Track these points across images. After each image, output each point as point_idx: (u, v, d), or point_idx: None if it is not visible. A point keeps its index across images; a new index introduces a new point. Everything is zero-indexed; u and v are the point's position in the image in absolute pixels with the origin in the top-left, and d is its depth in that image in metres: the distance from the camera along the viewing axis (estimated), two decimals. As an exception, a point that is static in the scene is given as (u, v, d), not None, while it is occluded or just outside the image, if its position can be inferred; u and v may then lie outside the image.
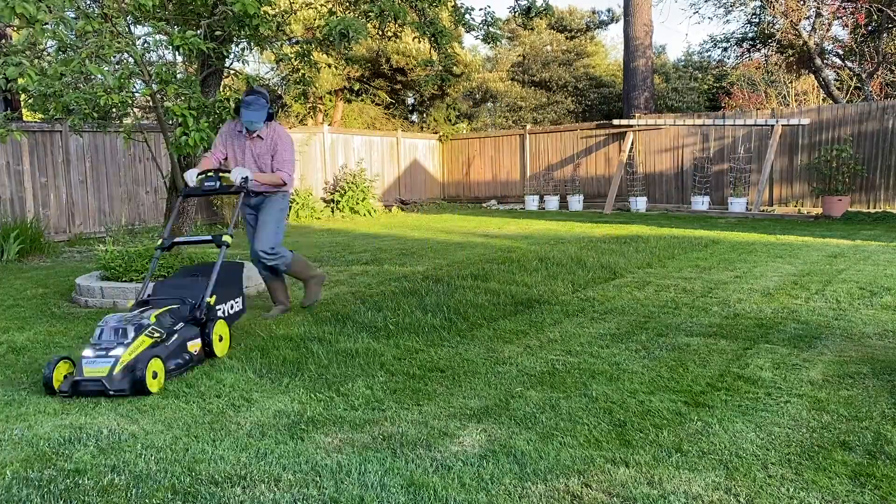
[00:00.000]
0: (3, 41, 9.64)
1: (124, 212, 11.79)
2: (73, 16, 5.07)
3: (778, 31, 17.33)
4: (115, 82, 4.95)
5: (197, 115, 5.21)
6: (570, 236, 10.43)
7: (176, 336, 3.93)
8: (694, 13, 32.95)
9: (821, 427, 2.97)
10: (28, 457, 2.80)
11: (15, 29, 6.25)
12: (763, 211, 13.89)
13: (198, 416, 3.26)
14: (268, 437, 2.98)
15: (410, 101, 23.87)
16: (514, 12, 8.34)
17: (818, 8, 16.63)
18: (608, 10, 39.61)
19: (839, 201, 12.84)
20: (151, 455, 2.80)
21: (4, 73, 4.50)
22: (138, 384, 3.50)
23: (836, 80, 19.31)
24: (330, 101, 20.12)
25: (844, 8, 16.48)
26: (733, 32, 21.55)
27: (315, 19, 7.63)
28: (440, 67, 7.98)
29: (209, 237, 4.66)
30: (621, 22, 19.77)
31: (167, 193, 6.84)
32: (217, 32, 5.84)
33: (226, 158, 5.18)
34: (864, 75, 17.01)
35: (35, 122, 11.25)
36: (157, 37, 5.55)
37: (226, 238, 4.59)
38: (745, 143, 14.56)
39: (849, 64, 18.53)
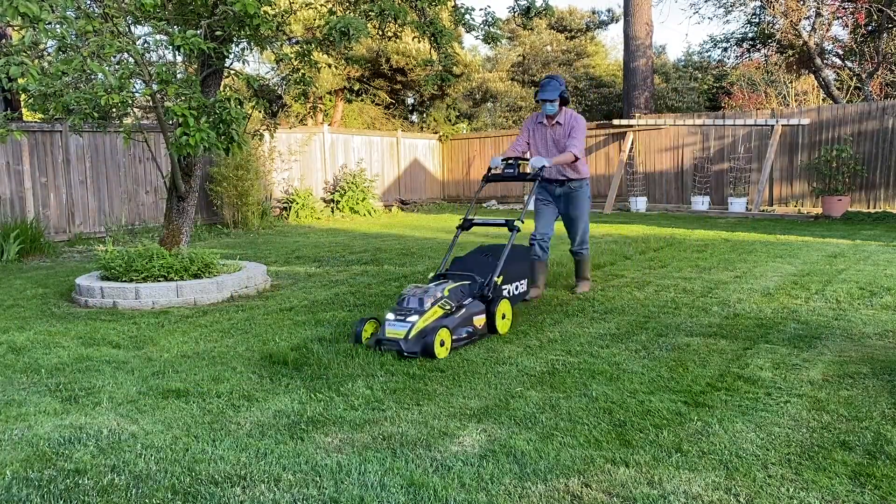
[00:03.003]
0: (4, 41, 9.63)
1: (124, 212, 11.79)
2: (73, 15, 5.07)
3: (778, 31, 17.32)
4: (116, 82, 4.95)
5: (197, 115, 5.21)
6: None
7: (464, 310, 4.38)
8: (694, 13, 32.98)
9: (821, 427, 2.97)
10: (28, 457, 2.80)
11: (16, 28, 6.24)
12: (763, 211, 13.89)
13: (198, 416, 3.26)
14: (268, 437, 2.98)
15: (410, 101, 23.88)
16: (514, 12, 8.34)
17: (818, 8, 16.63)
18: (608, 10, 39.63)
19: (839, 201, 12.83)
20: (151, 455, 2.80)
21: (7, 73, 4.51)
22: (428, 348, 3.99)
23: (836, 80, 19.31)
24: (330, 101, 20.13)
25: (844, 8, 16.49)
26: (733, 32, 21.58)
27: (315, 19, 7.63)
28: (440, 67, 7.98)
29: (503, 221, 5.12)
30: (621, 22, 19.77)
31: (167, 193, 6.84)
32: (217, 32, 5.84)
33: (528, 147, 5.84)
34: (864, 75, 17.01)
35: (35, 122, 11.25)
36: (158, 37, 5.55)
37: (517, 223, 5.01)
38: (745, 143, 14.56)
39: (849, 64, 18.53)
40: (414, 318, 4.15)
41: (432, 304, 4.25)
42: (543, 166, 5.25)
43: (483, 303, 4.52)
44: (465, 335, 4.31)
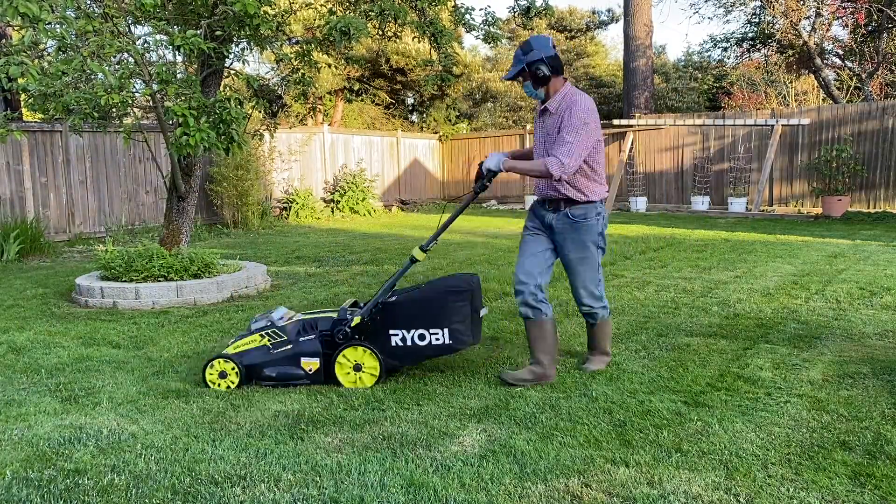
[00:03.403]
0: (4, 41, 9.63)
1: (124, 212, 11.79)
2: (73, 15, 5.07)
3: (778, 31, 17.32)
4: (116, 82, 4.95)
5: (197, 114, 5.21)
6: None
7: (290, 346, 3.70)
8: (694, 13, 32.93)
9: (821, 427, 2.97)
10: (28, 457, 2.80)
11: (16, 28, 6.24)
12: (763, 211, 13.88)
13: (198, 416, 3.26)
14: (268, 437, 2.98)
15: (410, 101, 23.88)
16: (514, 12, 8.33)
17: (818, 8, 16.63)
18: (608, 10, 39.63)
19: (839, 201, 12.83)
20: (151, 455, 2.80)
21: (7, 73, 4.51)
22: (201, 373, 3.70)
23: (836, 80, 19.32)
24: (330, 101, 20.12)
25: (844, 8, 16.49)
26: (733, 32, 21.58)
27: (315, 19, 7.63)
28: (440, 67, 7.98)
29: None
30: (621, 22, 19.77)
31: (167, 193, 6.85)
32: (217, 32, 5.84)
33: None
34: (864, 75, 17.01)
35: (35, 122, 11.24)
36: (158, 37, 5.55)
37: (417, 253, 3.80)
38: (745, 143, 14.56)
39: (849, 64, 18.53)
40: (231, 340, 3.91)
41: (255, 332, 3.79)
42: (490, 170, 3.60)
43: (329, 345, 3.69)
44: (274, 375, 3.67)
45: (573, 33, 27.44)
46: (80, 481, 2.57)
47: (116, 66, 5.48)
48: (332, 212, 15.24)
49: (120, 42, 4.96)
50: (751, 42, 19.49)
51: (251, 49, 6.83)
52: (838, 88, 18.68)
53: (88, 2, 5.83)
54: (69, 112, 5.63)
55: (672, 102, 23.86)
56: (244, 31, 5.81)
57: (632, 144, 15.89)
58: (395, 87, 20.95)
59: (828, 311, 5.12)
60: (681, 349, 4.19)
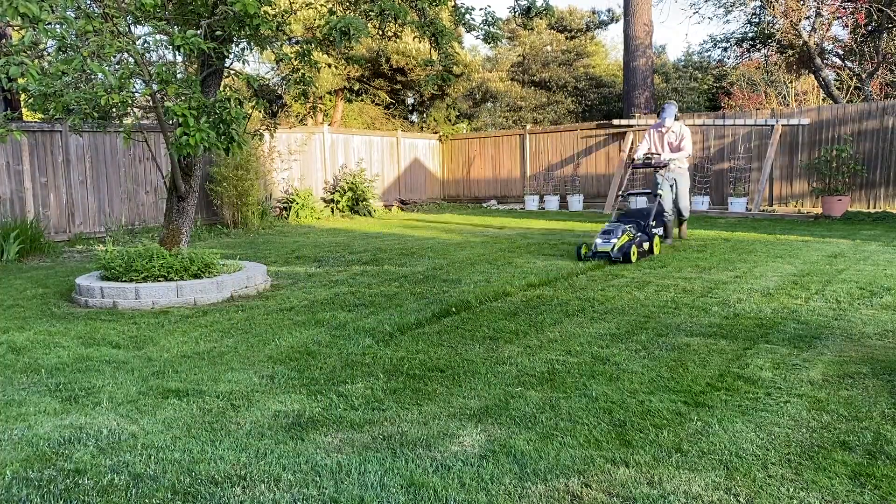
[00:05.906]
0: (4, 41, 9.64)
1: (124, 212, 11.79)
2: (73, 15, 5.07)
3: (778, 31, 17.32)
4: (116, 82, 4.95)
5: (197, 114, 5.21)
6: (571, 236, 10.43)
7: (639, 237, 7.80)
8: (694, 13, 32.79)
9: (821, 427, 2.97)
10: (28, 457, 2.80)
11: (16, 28, 6.25)
12: (763, 211, 13.88)
13: (198, 416, 3.26)
14: (268, 437, 2.98)
15: (410, 101, 23.88)
16: (514, 12, 8.34)
17: (818, 8, 16.63)
18: (608, 10, 39.58)
19: (839, 201, 12.83)
20: (151, 455, 2.80)
21: (7, 73, 4.51)
22: (626, 255, 7.38)
23: (836, 80, 19.31)
24: (330, 101, 20.12)
25: (844, 8, 16.48)
26: (733, 32, 21.55)
27: (315, 19, 7.63)
28: (440, 67, 7.98)
29: (648, 191, 9.26)
30: (621, 22, 19.77)
31: (167, 193, 6.85)
32: (217, 32, 5.84)
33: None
34: (864, 75, 17.01)
35: (35, 122, 11.25)
36: (158, 37, 5.55)
37: (659, 192, 8.87)
38: (745, 143, 14.56)
39: (849, 64, 18.53)
40: (614, 239, 7.52)
41: (623, 233, 7.61)
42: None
43: (646, 236, 7.96)
44: (642, 251, 7.75)
45: (573, 33, 27.44)
46: (80, 481, 2.57)
47: (116, 66, 5.48)
48: (332, 212, 15.24)
49: (120, 42, 4.96)
50: (751, 42, 19.49)
51: (251, 49, 6.83)
52: (838, 88, 18.68)
53: (88, 2, 5.83)
54: (69, 112, 5.63)
55: (672, 102, 23.82)
56: (244, 31, 5.81)
57: (632, 144, 15.88)
58: (395, 87, 20.95)
59: (828, 311, 5.12)
60: (681, 349, 4.20)
